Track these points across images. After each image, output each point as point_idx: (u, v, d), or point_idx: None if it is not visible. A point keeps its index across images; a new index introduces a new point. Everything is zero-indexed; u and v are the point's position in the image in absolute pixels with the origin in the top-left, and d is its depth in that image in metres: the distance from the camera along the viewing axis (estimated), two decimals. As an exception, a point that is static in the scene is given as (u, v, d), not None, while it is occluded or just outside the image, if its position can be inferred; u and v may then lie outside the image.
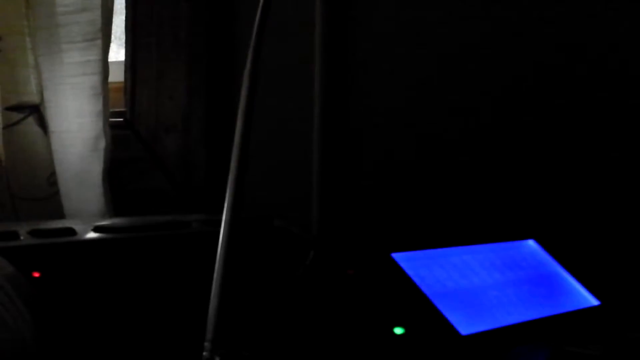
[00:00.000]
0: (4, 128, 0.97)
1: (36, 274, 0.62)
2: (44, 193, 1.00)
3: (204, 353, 0.53)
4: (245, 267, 0.72)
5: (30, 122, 0.99)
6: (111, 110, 1.07)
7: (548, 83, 1.04)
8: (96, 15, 1.01)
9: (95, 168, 1.03)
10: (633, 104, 0.99)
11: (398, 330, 0.72)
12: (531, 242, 0.95)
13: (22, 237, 0.68)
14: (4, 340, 0.57)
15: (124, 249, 0.71)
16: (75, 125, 1.03)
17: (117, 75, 1.20)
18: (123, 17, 1.22)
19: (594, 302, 0.89)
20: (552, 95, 1.04)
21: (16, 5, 0.97)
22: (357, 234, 1.15)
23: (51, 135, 1.01)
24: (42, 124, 0.99)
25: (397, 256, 0.81)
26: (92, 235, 0.72)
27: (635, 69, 0.99)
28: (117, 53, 1.24)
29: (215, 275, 0.54)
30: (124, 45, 1.23)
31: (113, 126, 1.07)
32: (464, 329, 0.75)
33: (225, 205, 0.56)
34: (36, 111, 0.99)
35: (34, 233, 0.69)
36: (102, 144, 1.03)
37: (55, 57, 1.02)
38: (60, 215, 1.01)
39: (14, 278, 0.59)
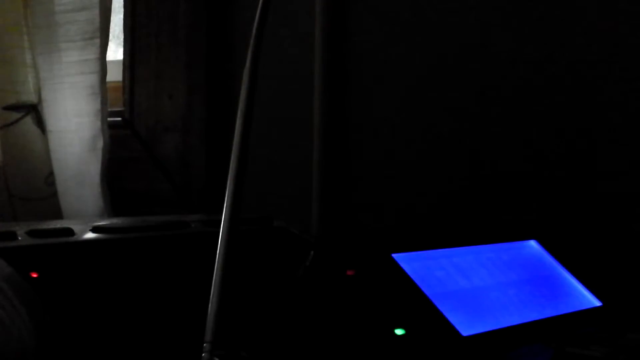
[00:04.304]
0: (1, 128, 0.97)
1: (34, 275, 0.62)
2: (42, 193, 1.00)
3: (203, 354, 0.52)
4: (245, 268, 0.71)
5: (28, 122, 0.98)
6: (109, 109, 1.07)
7: (549, 83, 1.04)
8: (94, 14, 1.01)
9: (94, 168, 1.03)
10: (634, 104, 0.99)
11: (399, 331, 0.72)
12: (533, 243, 0.95)
13: (20, 238, 0.68)
14: (2, 340, 0.56)
15: (123, 249, 0.71)
16: (74, 125, 1.03)
17: (115, 75, 1.20)
18: (121, 16, 1.21)
19: (595, 303, 0.89)
20: (554, 95, 1.03)
21: (14, 4, 0.97)
22: (357, 234, 1.14)
23: (49, 135, 1.01)
24: (40, 123, 0.99)
25: (397, 256, 0.80)
26: (90, 235, 0.72)
27: (637, 70, 0.99)
28: (116, 52, 1.23)
29: (214, 275, 0.54)
30: (122, 44, 1.22)
31: (111, 125, 1.06)
32: (465, 330, 0.75)
33: (225, 205, 0.56)
34: (34, 110, 0.99)
35: (31, 233, 0.69)
36: (101, 143, 1.03)
37: (53, 56, 1.02)
38: (59, 215, 1.01)
39: (12, 278, 0.59)
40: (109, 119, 1.05)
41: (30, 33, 0.98)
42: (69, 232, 0.71)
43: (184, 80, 1.22)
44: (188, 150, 1.23)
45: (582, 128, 1.02)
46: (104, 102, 1.02)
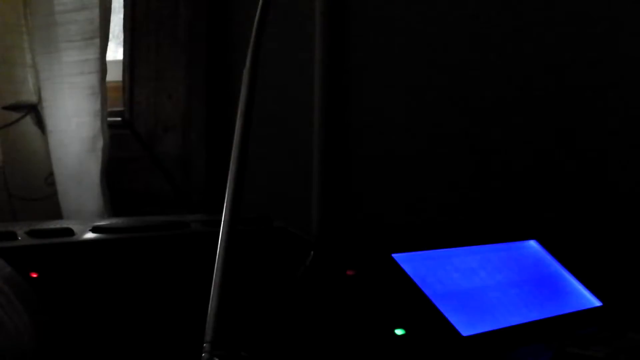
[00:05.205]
0: (1, 128, 0.97)
1: (34, 275, 0.62)
2: (41, 193, 1.00)
3: (203, 354, 0.52)
4: (245, 268, 0.71)
5: (28, 122, 0.98)
6: (109, 109, 1.07)
7: (549, 83, 1.04)
8: (94, 13, 1.01)
9: (93, 168, 1.03)
10: (635, 104, 0.99)
11: (399, 331, 0.71)
12: (533, 243, 0.95)
13: (19, 238, 0.68)
14: (2, 340, 0.56)
15: (122, 249, 0.71)
16: (73, 125, 1.02)
17: (115, 75, 1.20)
18: (121, 16, 1.21)
19: (596, 302, 0.89)
20: (555, 94, 1.03)
21: (14, 4, 0.96)
22: (357, 234, 1.14)
23: (49, 135, 1.01)
24: (40, 123, 0.99)
25: (398, 257, 0.80)
26: (90, 235, 0.72)
27: (635, 69, 0.99)
28: (116, 52, 1.23)
29: (214, 276, 0.54)
30: (122, 44, 1.22)
31: (111, 125, 1.06)
32: (465, 330, 0.75)
33: (225, 205, 0.56)
34: (34, 110, 0.98)
35: (31, 233, 0.69)
36: (100, 143, 1.02)
37: (53, 56, 1.01)
38: (58, 215, 1.01)
39: (12, 278, 0.59)
40: (108, 119, 1.05)
41: (30, 33, 0.98)
42: (69, 232, 0.71)
43: (184, 80, 1.22)
44: (188, 150, 1.23)
45: (583, 128, 1.02)
46: (103, 102, 1.02)
